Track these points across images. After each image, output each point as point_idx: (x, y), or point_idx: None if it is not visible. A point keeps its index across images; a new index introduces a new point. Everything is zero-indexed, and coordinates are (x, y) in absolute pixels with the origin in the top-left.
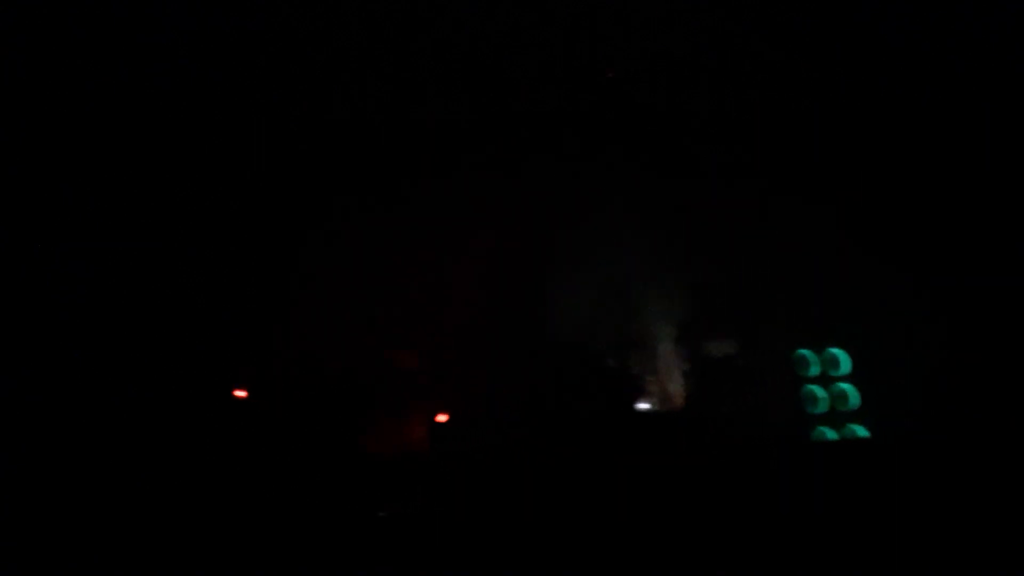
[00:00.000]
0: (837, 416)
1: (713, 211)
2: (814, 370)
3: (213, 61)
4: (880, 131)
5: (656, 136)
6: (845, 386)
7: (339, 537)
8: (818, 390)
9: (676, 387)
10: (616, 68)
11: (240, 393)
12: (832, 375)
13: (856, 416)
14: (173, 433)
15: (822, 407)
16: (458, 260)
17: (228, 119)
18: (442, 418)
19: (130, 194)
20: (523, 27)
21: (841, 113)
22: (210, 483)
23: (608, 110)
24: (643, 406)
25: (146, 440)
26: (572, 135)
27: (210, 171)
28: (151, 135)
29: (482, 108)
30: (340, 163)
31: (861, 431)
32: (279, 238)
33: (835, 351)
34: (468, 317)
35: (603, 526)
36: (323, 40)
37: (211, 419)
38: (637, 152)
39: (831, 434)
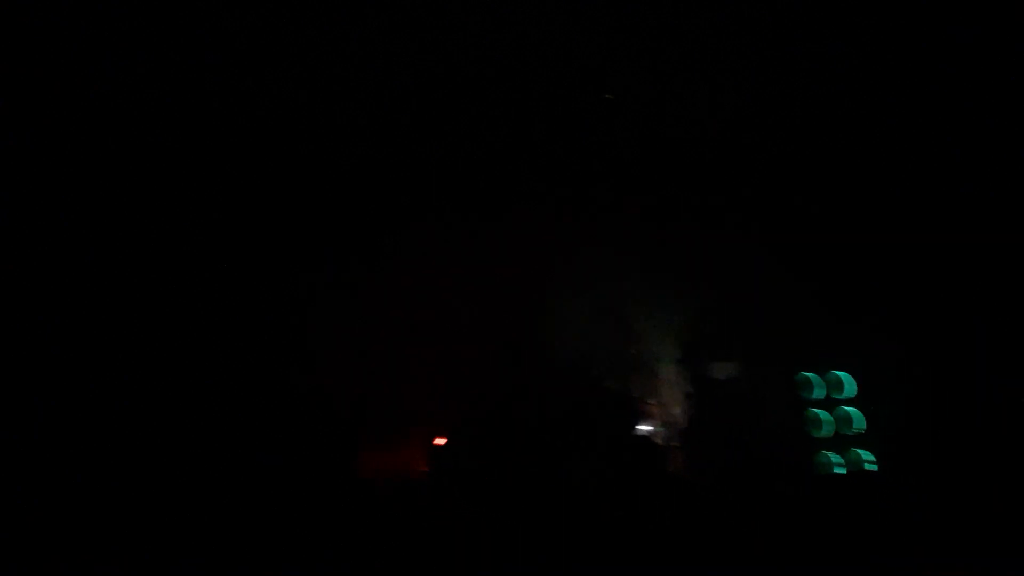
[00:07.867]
0: (842, 440)
1: (714, 233)
2: (818, 393)
3: None
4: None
5: (656, 161)
6: (850, 409)
7: (335, 560)
8: (822, 413)
9: (677, 409)
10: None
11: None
12: (836, 398)
13: (861, 440)
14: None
15: (826, 431)
16: (457, 287)
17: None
18: (440, 441)
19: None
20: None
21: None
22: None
23: (605, 134)
24: (644, 428)
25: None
26: (571, 159)
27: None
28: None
29: (483, 135)
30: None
31: (866, 455)
32: (284, 271)
33: (839, 374)
34: (466, 341)
35: (602, 546)
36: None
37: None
38: (636, 177)
39: (836, 458)
